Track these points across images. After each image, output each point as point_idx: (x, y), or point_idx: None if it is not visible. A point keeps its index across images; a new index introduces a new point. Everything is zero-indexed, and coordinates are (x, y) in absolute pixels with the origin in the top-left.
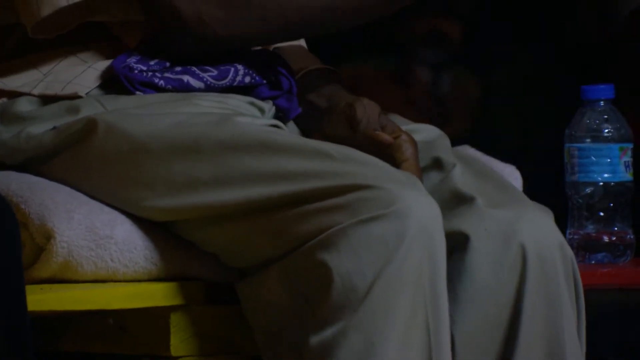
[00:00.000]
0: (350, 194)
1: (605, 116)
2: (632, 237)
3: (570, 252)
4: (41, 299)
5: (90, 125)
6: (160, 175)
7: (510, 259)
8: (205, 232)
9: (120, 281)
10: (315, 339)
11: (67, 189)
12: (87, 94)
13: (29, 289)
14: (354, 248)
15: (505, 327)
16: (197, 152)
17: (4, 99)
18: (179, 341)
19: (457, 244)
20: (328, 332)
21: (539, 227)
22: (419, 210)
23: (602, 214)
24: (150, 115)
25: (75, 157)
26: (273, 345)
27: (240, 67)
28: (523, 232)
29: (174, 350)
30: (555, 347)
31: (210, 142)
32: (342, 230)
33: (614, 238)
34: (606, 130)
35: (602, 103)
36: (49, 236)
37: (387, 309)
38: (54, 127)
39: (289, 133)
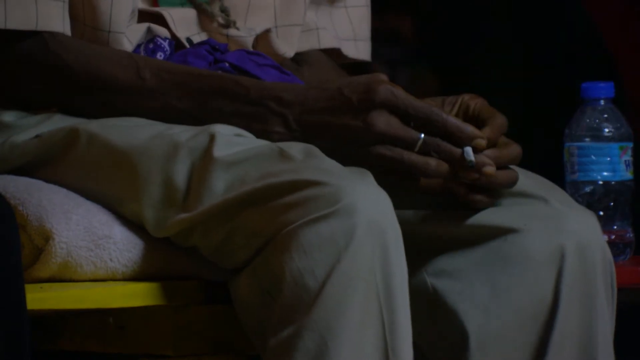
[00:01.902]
0: (302, 191)
1: (605, 115)
2: (631, 235)
3: (609, 255)
4: (41, 297)
5: (72, 135)
6: (141, 186)
7: (550, 256)
8: (193, 240)
9: (120, 280)
10: (273, 341)
11: (64, 190)
12: None
13: (28, 287)
14: (304, 248)
15: (541, 322)
16: (175, 163)
17: None
18: (178, 340)
19: (497, 237)
20: (284, 334)
21: (581, 227)
22: (367, 204)
23: (601, 213)
24: (130, 126)
25: (61, 166)
26: (262, 345)
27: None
28: (565, 231)
29: (174, 350)
30: (588, 347)
31: (187, 151)
32: (293, 230)
33: (613, 237)
34: (606, 129)
35: (602, 102)
36: (47, 237)
37: (340, 308)
38: (37, 136)
39: (256, 140)
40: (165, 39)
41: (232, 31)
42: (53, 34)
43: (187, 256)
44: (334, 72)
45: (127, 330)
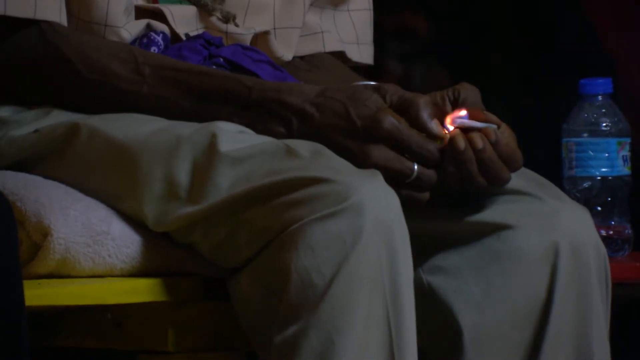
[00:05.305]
0: (309, 189)
1: (603, 110)
2: (629, 231)
3: (604, 251)
4: (39, 294)
5: (73, 130)
6: (142, 181)
7: (544, 253)
8: (193, 236)
9: (118, 277)
10: (278, 338)
11: (63, 186)
12: None
13: (26, 284)
14: (311, 246)
15: (535, 319)
16: (177, 157)
17: None
18: (176, 337)
19: (491, 234)
20: (290, 331)
21: (575, 223)
22: (375, 203)
23: (599, 208)
24: (132, 121)
25: (60, 161)
26: (262, 343)
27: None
28: (559, 228)
29: (171, 346)
30: (583, 344)
31: (189, 146)
32: (300, 228)
33: (611, 232)
34: (604, 125)
35: (600, 97)
36: (45, 233)
37: (346, 307)
38: (36, 130)
39: (261, 136)
40: (159, 33)
41: (231, 28)
42: (51, 24)
43: (186, 252)
44: (346, 74)
45: (126, 326)
